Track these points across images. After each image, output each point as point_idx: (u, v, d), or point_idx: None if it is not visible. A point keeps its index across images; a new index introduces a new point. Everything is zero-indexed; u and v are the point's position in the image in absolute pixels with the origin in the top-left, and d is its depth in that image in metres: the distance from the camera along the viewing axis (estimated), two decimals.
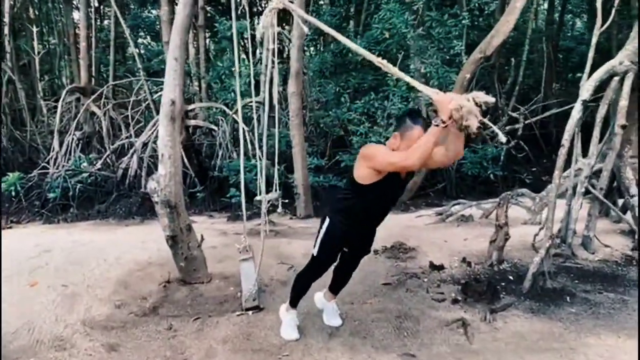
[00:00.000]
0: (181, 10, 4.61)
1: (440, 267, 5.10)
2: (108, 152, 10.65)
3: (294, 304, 3.77)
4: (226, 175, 9.90)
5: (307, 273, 3.64)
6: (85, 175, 9.67)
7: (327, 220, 3.39)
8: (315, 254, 3.48)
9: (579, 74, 18.29)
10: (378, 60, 3.10)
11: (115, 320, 4.09)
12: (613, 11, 8.54)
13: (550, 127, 14.12)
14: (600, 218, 6.13)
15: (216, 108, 11.46)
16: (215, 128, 10.60)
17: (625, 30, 12.13)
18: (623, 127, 5.31)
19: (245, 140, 9.88)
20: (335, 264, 3.66)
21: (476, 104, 2.67)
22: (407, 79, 3.09)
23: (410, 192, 9.35)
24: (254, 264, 4.30)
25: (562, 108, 13.58)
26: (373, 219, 3.39)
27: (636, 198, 5.73)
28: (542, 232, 5.12)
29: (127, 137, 11.27)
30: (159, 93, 11.74)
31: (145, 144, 10.02)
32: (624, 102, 5.31)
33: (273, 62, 3.63)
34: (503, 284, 4.70)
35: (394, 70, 3.06)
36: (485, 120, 2.68)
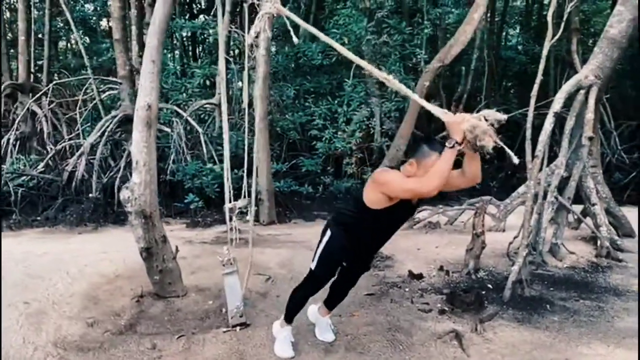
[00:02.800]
0: (159, 9, 4.36)
1: (420, 276, 5.11)
2: (51, 154, 10.02)
3: (289, 319, 3.63)
4: (180, 179, 9.56)
5: (304, 288, 3.51)
6: (26, 178, 9.05)
7: (329, 232, 3.26)
8: (313, 269, 3.36)
9: (509, 83, 19.21)
10: (384, 76, 3.03)
11: (90, 340, 3.80)
12: (562, 25, 8.95)
13: None
14: (555, 224, 6.35)
15: (167, 109, 11.06)
16: (168, 130, 10.21)
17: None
18: (590, 138, 5.53)
19: (205, 143, 9.70)
20: (332, 278, 3.56)
21: (487, 122, 2.64)
22: (414, 96, 3.05)
23: None
24: (238, 278, 4.13)
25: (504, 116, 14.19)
26: (379, 240, 3.30)
27: (597, 206, 5.99)
28: (516, 240, 5.24)
29: (71, 139, 10.66)
30: (108, 92, 11.23)
31: (93, 146, 9.50)
32: (590, 115, 5.54)
33: (249, 68, 3.49)
34: (483, 292, 4.76)
35: (399, 86, 3.00)
36: (499, 141, 2.64)
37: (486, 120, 2.59)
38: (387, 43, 9.91)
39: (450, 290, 4.67)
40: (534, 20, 19.55)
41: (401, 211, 3.07)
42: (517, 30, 21.06)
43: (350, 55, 3.20)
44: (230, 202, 4.32)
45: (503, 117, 2.60)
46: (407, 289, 4.85)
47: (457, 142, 2.61)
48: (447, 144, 2.65)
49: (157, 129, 10.68)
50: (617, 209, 6.50)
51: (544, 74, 7.28)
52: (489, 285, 4.95)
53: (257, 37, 3.47)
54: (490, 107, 11.34)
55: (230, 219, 4.36)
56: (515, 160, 2.60)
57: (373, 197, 2.99)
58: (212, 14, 13.53)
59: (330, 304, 3.74)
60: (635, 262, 5.66)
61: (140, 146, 4.35)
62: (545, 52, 7.38)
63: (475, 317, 4.16)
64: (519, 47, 18.95)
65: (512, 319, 4.21)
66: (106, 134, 9.59)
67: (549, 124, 5.22)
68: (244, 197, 4.66)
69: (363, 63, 3.21)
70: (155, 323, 4.13)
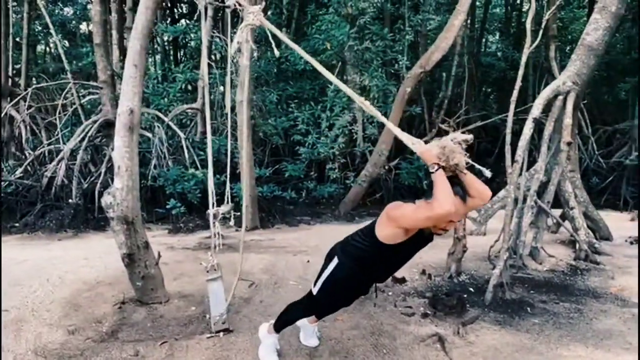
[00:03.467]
0: (142, 14, 4.35)
1: (402, 280, 5.15)
2: (29, 159, 9.88)
3: (278, 329, 3.61)
4: (161, 184, 9.49)
5: (301, 307, 3.48)
6: (3, 184, 8.90)
7: (336, 260, 3.17)
8: (315, 293, 3.28)
9: (489, 89, 19.49)
10: (360, 100, 3.11)
11: (71, 348, 3.75)
12: (540, 32, 9.12)
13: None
14: (534, 228, 6.45)
15: (149, 114, 10.99)
16: (150, 135, 10.14)
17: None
18: (568, 144, 5.63)
19: (187, 148, 9.65)
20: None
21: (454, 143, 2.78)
22: (389, 124, 3.13)
23: (353, 202, 9.42)
24: (222, 284, 4.12)
25: (485, 121, 14.44)
26: (389, 272, 3.32)
27: (576, 210, 6.10)
28: (497, 244, 5.31)
29: (50, 144, 10.52)
30: (88, 97, 11.11)
31: (73, 151, 9.39)
32: (568, 120, 5.64)
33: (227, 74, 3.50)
34: (465, 295, 4.81)
35: (375, 112, 3.10)
36: (467, 159, 2.77)
37: (452, 141, 2.73)
38: (369, 49, 9.98)
39: (433, 294, 4.70)
40: (513, 27, 19.87)
41: (415, 244, 3.05)
42: (497, 37, 21.38)
43: (324, 71, 3.25)
44: (213, 207, 4.31)
45: (469, 137, 2.76)
46: (390, 293, 4.87)
47: (437, 166, 2.70)
48: (430, 170, 2.73)
49: (139, 134, 10.69)
50: (595, 213, 6.62)
51: (522, 79, 7.43)
52: (471, 289, 5.01)
53: (239, 50, 3.50)
54: (471, 113, 11.56)
55: (214, 225, 4.34)
56: (488, 174, 2.75)
57: (388, 232, 2.96)
58: (194, 18, 13.52)
59: (320, 316, 3.73)
60: (612, 264, 5.78)
61: (122, 151, 4.32)
62: (524, 58, 7.53)
63: (457, 321, 4.21)
64: (499, 54, 19.23)
65: (493, 322, 4.26)
66: (86, 139, 9.50)
67: (528, 129, 5.31)
68: (227, 202, 4.66)
69: (343, 86, 3.26)
70: (138, 330, 4.09)
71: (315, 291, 3.28)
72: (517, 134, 5.48)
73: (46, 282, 4.81)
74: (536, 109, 5.44)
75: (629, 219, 8.93)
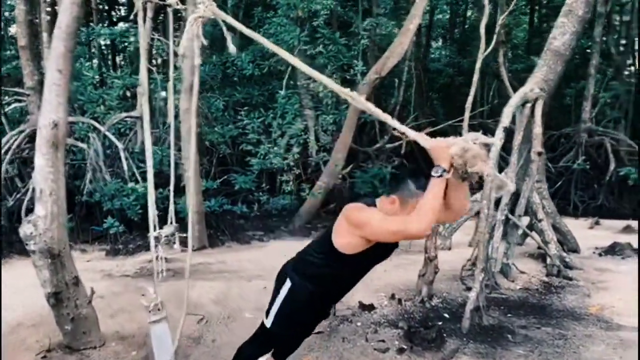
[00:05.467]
0: (67, 10, 3.69)
1: (371, 307, 4.69)
2: None
3: None
4: (98, 200, 8.66)
5: (254, 345, 2.90)
6: None
7: (288, 283, 2.64)
8: (268, 326, 2.73)
9: (435, 95, 19.52)
10: (346, 93, 2.54)
11: None
12: (494, 37, 8.95)
13: None
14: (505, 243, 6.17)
15: (83, 123, 10.09)
16: (84, 146, 9.28)
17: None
18: (539, 154, 5.35)
19: (126, 159, 8.87)
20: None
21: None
22: (394, 121, 2.55)
23: (308, 215, 8.94)
24: (167, 326, 3.51)
25: (434, 127, 14.31)
26: (349, 287, 2.78)
27: (544, 222, 5.84)
28: (469, 260, 4.95)
29: None
30: (14, 105, 10.12)
31: None
32: (538, 129, 5.36)
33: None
34: (440, 323, 4.40)
35: (367, 106, 2.51)
36: (492, 167, 2.24)
37: (475, 142, 2.18)
38: (322, 53, 9.53)
39: (408, 325, 4.26)
40: (456, 34, 20.02)
41: (378, 254, 2.55)
42: (440, 43, 21.48)
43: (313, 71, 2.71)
44: (155, 229, 3.69)
45: (491, 140, 2.21)
46: (359, 323, 4.39)
47: (445, 170, 2.17)
48: (433, 173, 2.18)
49: (72, 145, 9.80)
50: (562, 224, 6.41)
51: (469, 85, 7.20)
52: (445, 314, 4.60)
53: (184, 53, 2.92)
54: (419, 119, 11.29)
55: (156, 247, 3.73)
56: (512, 187, 2.22)
57: (347, 240, 2.45)
58: (132, 19, 12.67)
59: (281, 356, 3.19)
60: (585, 279, 5.56)
61: (44, 172, 3.64)
62: (478, 64, 7.31)
63: (437, 356, 3.78)
64: (444, 60, 19.31)
65: (475, 354, 3.86)
66: (12, 150, 8.57)
67: (498, 139, 4.97)
68: (171, 222, 4.08)
69: (326, 80, 2.72)
70: None
71: (268, 323, 2.72)
72: None
73: None
74: (506, 118, 5.12)
75: (588, 226, 8.86)
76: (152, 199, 3.58)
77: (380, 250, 2.53)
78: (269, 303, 2.74)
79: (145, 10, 4.19)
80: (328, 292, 2.68)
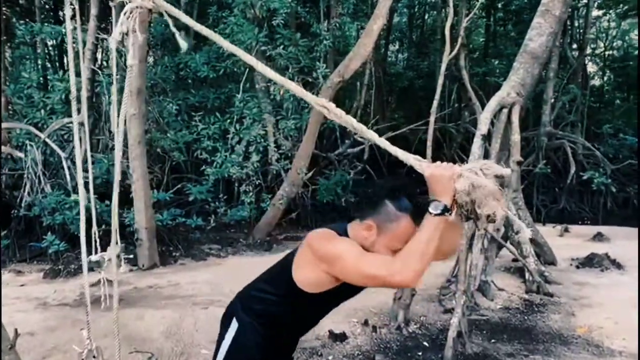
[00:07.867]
0: None
1: (343, 337, 4.22)
2: None
3: None
4: (37, 214, 7.89)
5: None
6: None
7: (235, 325, 2.10)
8: None
9: (393, 98, 19.33)
10: (321, 103, 2.03)
11: None
12: (459, 40, 8.71)
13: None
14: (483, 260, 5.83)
15: (21, 129, 9.25)
16: (22, 155, 8.47)
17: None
18: (519, 163, 5.02)
19: (68, 169, 8.13)
20: None
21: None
22: (377, 139, 2.06)
23: (269, 226, 8.41)
24: None
25: (395, 132, 14.03)
26: (309, 328, 2.28)
27: (522, 234, 5.51)
28: (452, 283, 4.55)
29: None
30: None
31: None
32: (516, 137, 5.04)
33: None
34: (420, 353, 3.98)
35: (346, 119, 2.02)
36: (507, 210, 1.78)
37: (485, 171, 1.71)
38: (282, 55, 9.03)
39: (385, 358, 3.81)
40: (415, 37, 19.91)
41: (349, 290, 2.02)
42: (397, 46, 21.33)
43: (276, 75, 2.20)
44: (95, 250, 3.08)
45: (506, 171, 1.75)
46: (330, 357, 3.92)
47: (447, 209, 1.69)
48: (431, 209, 1.70)
49: (8, 154, 8.97)
50: (539, 235, 6.12)
51: (430, 88, 6.91)
52: (425, 342, 4.19)
53: (122, 40, 2.36)
54: (380, 123, 10.94)
55: (92, 271, 3.11)
56: (529, 233, 1.76)
57: (311, 276, 1.93)
58: (75, 19, 11.84)
59: None
60: (567, 295, 5.26)
61: None
62: (443, 67, 7.03)
63: None
64: (402, 63, 19.16)
65: None
66: None
67: (477, 147, 4.62)
68: (116, 242, 3.49)
69: (293, 85, 2.21)
70: None
71: None
72: (423, 143, 4.79)
73: None
74: (483, 125, 4.77)
75: (558, 234, 8.67)
76: (93, 213, 2.98)
77: (345, 292, 2.03)
78: (215, 348, 2.19)
79: (81, 6, 3.62)
80: (284, 336, 2.16)
